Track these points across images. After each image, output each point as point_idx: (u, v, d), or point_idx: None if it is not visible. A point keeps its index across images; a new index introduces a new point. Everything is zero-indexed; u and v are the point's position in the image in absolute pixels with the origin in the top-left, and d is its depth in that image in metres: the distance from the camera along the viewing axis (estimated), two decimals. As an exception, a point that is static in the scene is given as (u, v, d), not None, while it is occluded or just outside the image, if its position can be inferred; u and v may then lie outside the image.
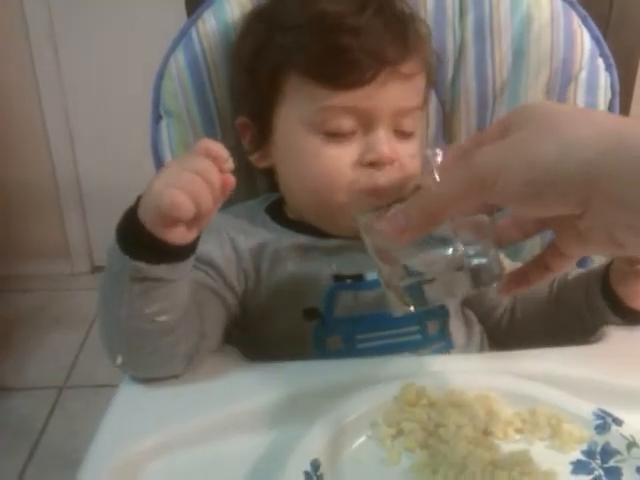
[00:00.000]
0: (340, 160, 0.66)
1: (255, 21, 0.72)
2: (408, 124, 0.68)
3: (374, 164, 0.65)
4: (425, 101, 0.74)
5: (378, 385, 0.55)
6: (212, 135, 0.77)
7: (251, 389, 0.57)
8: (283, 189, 0.74)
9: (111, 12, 1.97)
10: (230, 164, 0.52)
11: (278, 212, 0.75)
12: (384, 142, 0.66)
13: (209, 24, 0.76)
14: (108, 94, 2.10)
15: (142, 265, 0.53)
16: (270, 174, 0.76)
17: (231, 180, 0.52)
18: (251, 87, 0.71)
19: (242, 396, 0.56)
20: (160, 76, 0.77)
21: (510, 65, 0.79)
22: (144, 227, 0.51)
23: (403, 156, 0.67)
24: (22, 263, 2.28)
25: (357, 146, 0.66)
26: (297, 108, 0.67)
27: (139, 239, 0.52)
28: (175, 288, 0.56)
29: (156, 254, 0.53)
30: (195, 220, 0.51)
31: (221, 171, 0.51)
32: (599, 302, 0.68)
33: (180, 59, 0.76)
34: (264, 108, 0.70)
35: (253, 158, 0.74)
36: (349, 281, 0.69)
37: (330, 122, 0.65)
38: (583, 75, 0.78)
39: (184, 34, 0.76)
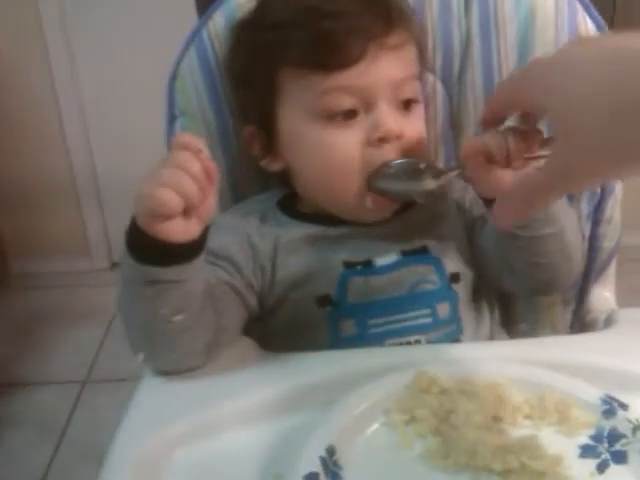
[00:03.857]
0: (347, 143, 0.67)
1: (241, 31, 0.73)
2: (407, 91, 0.68)
3: (382, 140, 0.66)
4: (420, 73, 0.74)
5: (391, 373, 0.57)
6: (226, 134, 0.79)
7: (268, 379, 0.59)
8: (298, 185, 0.75)
9: (125, 14, 2.04)
10: (206, 152, 0.53)
11: (289, 205, 0.76)
12: (388, 116, 0.66)
13: (219, 24, 0.77)
14: (124, 88, 2.12)
15: (151, 269, 0.55)
16: (282, 177, 0.77)
17: (212, 166, 0.53)
18: (251, 95, 0.72)
19: (260, 386, 0.59)
20: (173, 76, 0.78)
21: (516, 57, 0.80)
22: (145, 231, 0.53)
23: (410, 133, 0.67)
24: (42, 260, 2.31)
25: (361, 126, 0.66)
26: (296, 101, 0.68)
27: (145, 244, 0.54)
28: (187, 288, 0.57)
29: (163, 256, 0.54)
30: (190, 212, 0.53)
31: (200, 160, 0.53)
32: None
33: (192, 59, 0.77)
34: (267, 112, 0.70)
35: (264, 163, 0.75)
36: (359, 267, 0.70)
37: (330, 105, 0.66)
38: (588, 65, 0.78)
39: (195, 34, 0.78)
